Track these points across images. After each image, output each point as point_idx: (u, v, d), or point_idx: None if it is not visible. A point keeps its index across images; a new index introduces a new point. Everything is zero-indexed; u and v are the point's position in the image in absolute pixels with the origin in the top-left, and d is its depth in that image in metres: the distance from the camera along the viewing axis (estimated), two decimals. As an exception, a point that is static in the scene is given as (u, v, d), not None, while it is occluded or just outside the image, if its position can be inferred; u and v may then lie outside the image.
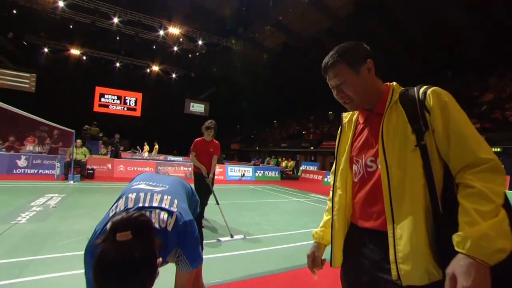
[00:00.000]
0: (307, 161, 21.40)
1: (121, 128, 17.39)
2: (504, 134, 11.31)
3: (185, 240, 1.02)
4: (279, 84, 25.50)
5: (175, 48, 20.40)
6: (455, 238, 0.70)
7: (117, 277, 0.74)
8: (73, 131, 8.89)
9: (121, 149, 13.98)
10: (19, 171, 8.96)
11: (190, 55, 21.77)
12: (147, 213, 0.99)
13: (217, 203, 4.10)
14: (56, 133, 11.45)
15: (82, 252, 0.97)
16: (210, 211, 4.58)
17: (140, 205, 1.03)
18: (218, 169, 12.68)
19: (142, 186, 1.14)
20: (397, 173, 0.83)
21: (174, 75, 26.23)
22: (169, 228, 0.99)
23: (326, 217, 1.11)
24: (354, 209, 0.99)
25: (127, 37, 19.00)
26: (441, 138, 0.80)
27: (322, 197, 8.81)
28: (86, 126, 13.04)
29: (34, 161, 9.30)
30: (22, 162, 9.08)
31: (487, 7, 12.70)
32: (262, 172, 13.97)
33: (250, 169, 13.55)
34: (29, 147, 10.20)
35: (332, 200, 1.06)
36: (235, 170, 13.10)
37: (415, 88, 0.90)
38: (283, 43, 20.46)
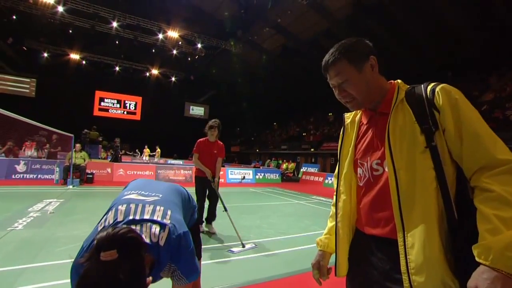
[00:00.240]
0: (307, 163, 21.35)
1: (121, 132, 17.38)
2: (505, 133, 11.24)
3: (179, 255, 0.96)
4: (278, 86, 25.52)
5: (174, 52, 20.46)
6: (476, 248, 0.64)
7: None
8: (72, 135, 8.85)
9: (121, 153, 13.94)
10: (18, 176, 8.91)
11: (189, 58, 21.83)
12: (138, 227, 0.93)
13: (225, 210, 3.78)
14: (55, 137, 11.41)
15: None
16: (217, 218, 4.33)
17: (131, 217, 0.96)
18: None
19: (133, 196, 1.08)
20: (406, 177, 0.78)
21: (173, 79, 26.27)
22: (161, 242, 0.93)
23: (330, 223, 1.05)
24: (360, 215, 0.93)
25: (126, 41, 19.07)
26: (452, 138, 0.75)
27: (323, 199, 8.74)
28: (85, 130, 13.00)
29: (33, 166, 9.25)
30: (21, 167, 9.03)
31: (487, 7, 12.69)
32: (262, 174, 13.90)
33: (251, 172, 13.49)
34: (27, 152, 10.15)
35: (336, 205, 1.00)
36: (235, 173, 13.04)
37: (422, 85, 0.85)
38: (282, 45, 20.49)
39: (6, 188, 7.05)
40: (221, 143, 4.16)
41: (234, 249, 3.30)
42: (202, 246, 2.78)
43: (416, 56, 16.96)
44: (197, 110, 31.18)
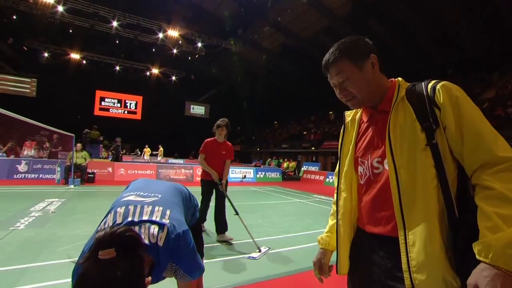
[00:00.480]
0: (308, 161, 21.35)
1: (121, 132, 17.38)
2: (507, 131, 11.19)
3: (179, 254, 0.96)
4: (279, 84, 25.49)
5: (175, 51, 20.44)
6: (477, 246, 0.64)
7: None
8: (72, 135, 8.87)
9: (122, 152, 13.97)
10: (19, 176, 8.94)
11: (189, 58, 21.82)
12: (136, 228, 0.92)
13: (236, 213, 3.56)
14: (55, 137, 11.43)
15: None
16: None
17: (129, 219, 0.96)
18: (219, 171, 12.63)
19: (132, 197, 1.08)
20: (407, 175, 0.78)
21: (174, 78, 26.27)
22: (160, 243, 0.93)
23: (331, 221, 1.05)
24: (361, 213, 0.93)
25: (126, 41, 19.06)
26: (453, 136, 0.75)
27: (324, 197, 8.74)
28: (86, 130, 13.02)
29: (34, 166, 9.28)
30: (22, 167, 9.06)
31: (489, 4, 12.62)
32: (263, 173, 13.91)
33: (252, 171, 13.50)
34: (27, 151, 10.18)
35: (337, 203, 1.00)
36: (236, 172, 13.05)
37: (423, 83, 0.84)
38: (282, 43, 20.46)
39: (7, 188, 7.08)
40: (230, 143, 3.92)
41: (254, 255, 3.13)
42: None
43: (416, 54, 16.91)
44: (197, 109, 31.20)
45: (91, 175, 9.17)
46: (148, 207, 1.01)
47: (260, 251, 3.21)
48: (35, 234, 3.46)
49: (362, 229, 0.93)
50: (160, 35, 18.65)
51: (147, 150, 18.35)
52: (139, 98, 28.11)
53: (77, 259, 0.86)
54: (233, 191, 9.37)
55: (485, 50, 14.67)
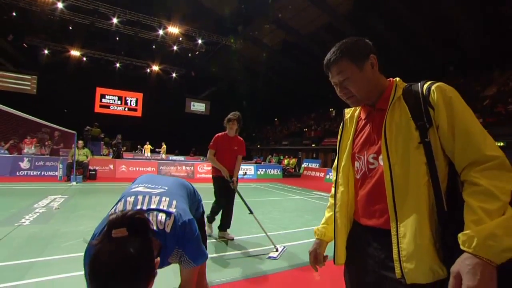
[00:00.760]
0: (308, 158, 21.38)
1: (122, 129, 17.42)
2: (507, 128, 11.23)
3: (185, 240, 1.02)
4: (279, 81, 25.44)
5: (175, 48, 20.39)
6: (461, 237, 0.68)
7: (111, 274, 0.72)
8: (74, 132, 8.91)
9: (123, 149, 14.02)
10: (22, 173, 9.01)
11: (190, 54, 21.76)
12: (145, 215, 0.98)
13: (251, 212, 3.45)
14: (57, 134, 11.48)
15: None
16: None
17: (138, 207, 1.02)
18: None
19: (141, 189, 1.14)
20: (400, 171, 0.82)
21: (174, 75, 26.23)
22: (168, 229, 0.99)
23: (328, 213, 1.09)
24: (357, 207, 0.98)
25: (126, 37, 19.01)
26: (445, 135, 0.79)
27: (324, 194, 8.79)
28: (88, 127, 13.06)
29: (36, 163, 9.35)
30: (24, 164, 9.12)
31: (489, 2, 12.56)
32: (264, 170, 13.96)
33: (252, 167, 13.55)
34: (27, 149, 10.23)
35: (334, 196, 1.05)
36: (237, 169, 13.10)
37: (419, 83, 0.88)
38: (282, 40, 20.38)
39: (11, 185, 7.14)
40: (241, 138, 3.72)
41: (273, 254, 3.07)
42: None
43: (417, 52, 16.85)
44: (198, 106, 31.19)
45: (93, 172, 9.23)
46: (155, 197, 1.07)
47: (277, 250, 3.16)
48: (39, 230, 3.52)
49: (357, 222, 0.97)
50: (160, 32, 18.60)
51: (147, 147, 18.37)
52: (140, 95, 28.09)
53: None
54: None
55: (486, 48, 14.62)
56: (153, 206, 1.03)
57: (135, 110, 28.03)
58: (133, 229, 0.78)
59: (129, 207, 1.03)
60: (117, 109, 27.20)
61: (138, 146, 19.83)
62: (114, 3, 16.42)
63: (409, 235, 0.78)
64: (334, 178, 1.07)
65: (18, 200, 5.26)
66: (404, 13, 14.78)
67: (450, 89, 0.82)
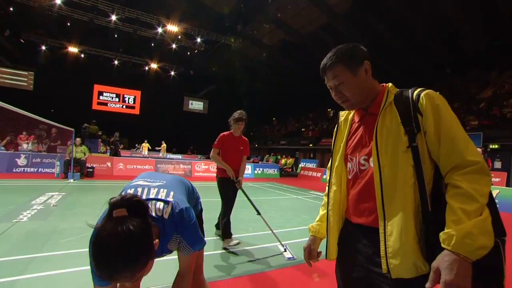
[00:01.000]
0: (306, 158, 21.47)
1: (120, 126, 17.38)
2: (502, 131, 11.37)
3: (183, 226, 1.07)
4: (278, 81, 25.45)
5: (174, 46, 20.34)
6: (442, 235, 0.74)
7: (112, 250, 0.77)
8: (72, 129, 8.90)
9: (120, 147, 13.99)
10: (19, 169, 8.98)
11: (189, 53, 21.72)
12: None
13: (258, 213, 3.40)
14: (54, 131, 11.44)
15: (85, 250, 1.01)
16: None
17: None
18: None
19: (141, 182, 1.20)
20: (389, 173, 0.87)
21: (173, 73, 26.16)
22: (166, 216, 1.04)
23: (322, 211, 1.15)
24: (348, 205, 1.03)
25: (125, 35, 18.92)
26: (432, 140, 0.84)
27: (321, 194, 8.86)
28: (85, 124, 13.03)
29: (33, 160, 9.32)
30: (21, 161, 9.09)
31: (488, 3, 12.66)
32: (261, 169, 14.01)
33: (249, 167, 13.59)
34: (25, 144, 10.20)
35: (328, 195, 1.10)
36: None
37: (410, 90, 0.93)
38: (281, 40, 20.38)
39: (7, 182, 7.13)
40: (246, 138, 3.61)
41: (289, 255, 3.04)
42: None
43: (415, 52, 16.94)
44: (196, 105, 31.14)
45: (90, 170, 9.23)
46: (154, 189, 1.13)
47: (286, 249, 3.16)
48: (38, 226, 3.54)
49: (349, 220, 1.03)
50: (159, 29, 18.54)
51: (145, 145, 18.29)
52: (138, 93, 27.99)
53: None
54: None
55: (484, 49, 14.74)
56: (151, 196, 1.09)
57: (133, 107, 27.93)
58: (132, 210, 0.84)
59: None
60: (115, 106, 27.08)
61: (136, 145, 19.75)
62: (113, 0, 16.34)
63: (395, 233, 0.83)
64: (328, 178, 1.13)
65: (15, 196, 5.27)
66: (402, 13, 14.86)
67: (438, 96, 0.88)
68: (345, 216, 1.05)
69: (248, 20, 18.74)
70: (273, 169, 14.54)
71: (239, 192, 3.54)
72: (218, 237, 3.56)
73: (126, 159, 11.42)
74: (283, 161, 17.86)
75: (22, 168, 9.04)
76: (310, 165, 17.25)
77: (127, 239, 0.78)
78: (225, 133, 3.50)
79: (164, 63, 24.43)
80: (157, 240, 0.91)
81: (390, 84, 1.01)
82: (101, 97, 26.47)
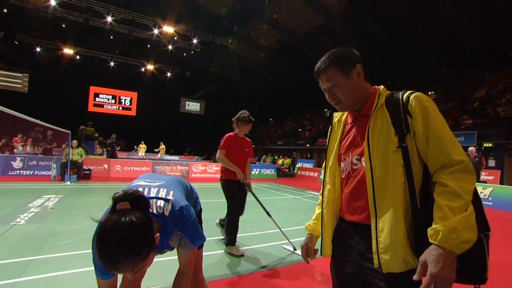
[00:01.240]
0: (303, 158, 21.54)
1: (116, 128, 17.28)
2: (496, 129, 11.53)
3: (183, 222, 1.11)
4: (274, 81, 25.53)
5: (170, 47, 20.30)
6: (429, 231, 0.78)
7: (115, 240, 0.80)
8: (69, 132, 8.85)
9: (117, 149, 13.92)
10: (14, 172, 8.92)
11: (185, 54, 21.68)
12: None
13: (269, 216, 3.36)
14: (49, 133, 11.36)
15: (83, 252, 1.03)
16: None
17: None
18: (214, 167, 12.72)
19: (141, 182, 1.24)
20: (380, 172, 0.91)
21: (169, 74, 26.09)
22: (166, 213, 1.08)
23: (318, 210, 1.18)
24: (342, 204, 1.07)
25: (121, 36, 18.84)
26: (421, 140, 0.88)
27: (317, 194, 8.81)
28: (82, 126, 12.95)
29: (29, 162, 9.26)
30: (17, 164, 9.03)
31: (483, 3, 12.83)
32: (258, 170, 14.05)
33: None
34: (19, 147, 10.11)
35: (322, 194, 1.14)
36: (231, 169, 13.14)
37: (400, 92, 0.97)
38: (278, 40, 20.46)
39: (3, 185, 7.08)
40: (249, 140, 3.54)
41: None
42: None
43: (410, 52, 17.10)
44: (193, 106, 31.08)
45: (87, 172, 9.19)
46: (155, 188, 1.17)
47: (295, 249, 3.21)
48: (35, 229, 3.54)
49: (342, 218, 1.07)
50: (155, 31, 18.50)
51: (142, 147, 18.19)
52: (134, 94, 27.85)
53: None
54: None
55: (478, 48, 14.92)
56: (152, 195, 1.12)
57: (129, 109, 27.79)
58: (135, 204, 0.88)
59: None
60: (111, 108, 26.94)
61: (135, 146, 19.63)
62: (109, 1, 16.28)
63: (386, 230, 0.87)
64: (323, 177, 1.16)
65: (12, 199, 5.24)
66: (398, 14, 15.02)
67: (427, 99, 0.92)
68: (339, 214, 1.09)
69: (244, 21, 18.80)
70: (270, 170, 14.58)
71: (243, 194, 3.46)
72: (221, 240, 3.43)
73: (123, 161, 11.38)
74: (280, 161, 17.91)
75: (18, 171, 8.98)
76: (307, 165, 17.32)
77: (130, 229, 0.82)
78: (230, 134, 3.36)
79: (160, 64, 24.37)
80: (158, 234, 0.95)
81: (381, 87, 1.05)
82: (97, 99, 26.31)
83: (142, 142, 18.30)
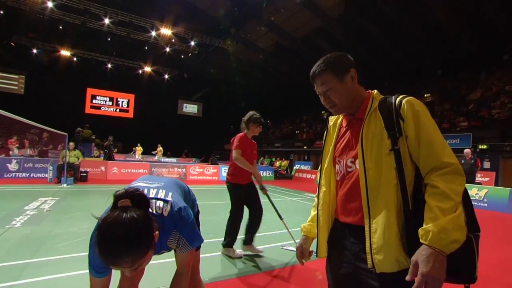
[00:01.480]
0: (300, 160, 21.59)
1: (113, 130, 17.22)
2: (490, 131, 11.66)
3: (181, 223, 1.12)
4: (272, 84, 25.61)
5: (167, 49, 20.31)
6: (420, 231, 0.81)
7: (116, 235, 0.82)
8: (66, 134, 8.81)
9: (114, 151, 13.86)
10: (10, 175, 8.84)
11: (182, 56, 21.69)
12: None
13: (281, 218, 3.36)
14: (45, 136, 11.30)
15: (80, 254, 1.04)
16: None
17: None
18: (212, 169, 12.71)
19: (140, 184, 1.26)
20: (374, 174, 0.93)
21: (166, 76, 26.08)
22: (165, 213, 1.10)
23: (313, 212, 1.20)
24: (337, 205, 1.09)
25: (118, 38, 18.82)
26: (412, 143, 0.91)
27: (315, 196, 8.94)
28: (79, 128, 12.89)
29: (25, 165, 9.19)
30: (13, 166, 8.96)
31: (477, 6, 13.01)
32: (256, 172, 14.01)
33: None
34: (14, 149, 10.05)
35: (317, 196, 1.16)
36: (229, 171, 13.14)
37: (393, 97, 1.00)
38: (275, 43, 20.57)
39: (-1, 187, 7.02)
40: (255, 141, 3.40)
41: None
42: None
43: (407, 54, 17.27)
44: (190, 108, 31.07)
45: (84, 174, 9.15)
46: (153, 189, 1.19)
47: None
48: (31, 231, 3.52)
49: (337, 219, 1.09)
50: (153, 33, 18.51)
51: (138, 149, 18.05)
52: (131, 96, 27.80)
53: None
54: (226, 190, 9.47)
55: (474, 51, 15.09)
56: (151, 196, 1.14)
57: (126, 111, 27.71)
58: (136, 202, 0.91)
59: None
60: (108, 110, 26.84)
61: (134, 148, 19.51)
62: (106, 3, 16.28)
63: (379, 231, 0.90)
64: (318, 179, 1.18)
65: (7, 202, 5.20)
66: (394, 17, 15.17)
67: (419, 103, 0.95)
68: (334, 216, 1.11)
69: (242, 24, 18.88)
70: (267, 172, 14.59)
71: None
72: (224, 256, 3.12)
73: (120, 163, 11.34)
74: (277, 163, 17.93)
75: (14, 173, 8.91)
76: (305, 167, 17.37)
77: (131, 225, 0.84)
78: (242, 134, 3.22)
79: (158, 66, 24.35)
80: (157, 232, 0.97)
81: (375, 91, 1.08)
82: (94, 101, 26.22)
83: (138, 144, 18.12)
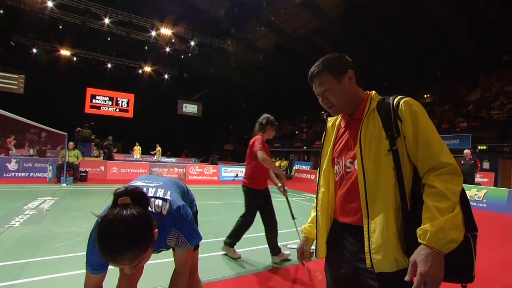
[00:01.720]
0: (300, 160, 21.62)
1: (113, 130, 17.21)
2: (490, 132, 11.68)
3: (180, 221, 1.13)
4: (272, 84, 25.63)
5: (167, 49, 20.32)
6: (418, 231, 0.81)
7: (116, 232, 0.83)
8: (65, 133, 8.81)
9: (114, 151, 13.86)
10: (9, 174, 8.83)
11: (182, 56, 21.71)
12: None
13: (293, 218, 3.41)
14: (43, 135, 11.29)
15: (80, 254, 1.05)
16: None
17: None
18: (211, 169, 12.72)
19: (139, 183, 1.26)
20: (372, 175, 0.94)
21: (166, 76, 26.09)
22: (164, 212, 1.10)
23: (313, 213, 1.20)
24: (336, 206, 1.09)
25: (118, 38, 18.83)
26: (410, 144, 0.91)
27: (314, 196, 8.94)
28: (78, 128, 12.89)
29: (25, 164, 9.18)
30: (12, 166, 8.95)
31: (477, 7, 13.02)
32: (256, 172, 14.01)
33: (244, 170, 13.59)
34: (11, 147, 10.04)
35: (316, 197, 1.17)
36: (228, 171, 13.16)
37: (391, 97, 1.00)
38: (275, 43, 20.59)
39: (-2, 187, 7.01)
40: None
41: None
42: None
43: (407, 55, 17.29)
44: (190, 108, 31.09)
45: (84, 174, 9.14)
46: (152, 188, 1.20)
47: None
48: (31, 231, 3.52)
49: (336, 220, 1.09)
50: (153, 33, 18.52)
51: (137, 148, 17.96)
52: (131, 96, 27.81)
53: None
54: (225, 189, 9.48)
55: (473, 52, 15.10)
56: (150, 195, 1.14)
57: (126, 111, 27.72)
58: (136, 200, 0.92)
59: None
60: (108, 110, 26.85)
61: (134, 148, 19.49)
62: (106, 3, 16.28)
63: (378, 231, 0.90)
64: (317, 180, 1.19)
65: (6, 202, 5.20)
66: (394, 17, 15.19)
67: (416, 104, 0.95)
68: (333, 216, 1.11)
69: (242, 24, 18.89)
70: (267, 172, 14.55)
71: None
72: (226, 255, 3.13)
73: (120, 163, 11.33)
74: (277, 163, 17.93)
75: (13, 173, 8.90)
76: (304, 167, 17.38)
77: (131, 222, 0.85)
78: (259, 136, 3.17)
79: (158, 66, 24.37)
80: (156, 230, 0.97)
81: (373, 92, 1.08)
82: (94, 101, 26.23)
83: (137, 144, 17.97)
